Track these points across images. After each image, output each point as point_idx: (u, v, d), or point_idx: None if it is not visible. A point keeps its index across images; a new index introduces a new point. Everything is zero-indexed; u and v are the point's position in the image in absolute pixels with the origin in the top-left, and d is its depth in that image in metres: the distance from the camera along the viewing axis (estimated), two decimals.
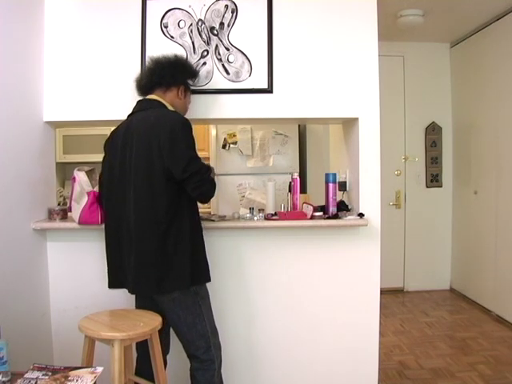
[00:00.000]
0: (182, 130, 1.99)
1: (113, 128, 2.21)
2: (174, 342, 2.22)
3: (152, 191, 1.97)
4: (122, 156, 2.05)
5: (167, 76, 2.14)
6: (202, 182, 2.00)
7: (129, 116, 2.16)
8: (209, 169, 2.08)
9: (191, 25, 2.48)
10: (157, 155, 1.95)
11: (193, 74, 2.31)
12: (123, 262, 2.06)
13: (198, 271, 2.07)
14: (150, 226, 1.97)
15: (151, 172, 1.97)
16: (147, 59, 2.32)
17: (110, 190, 2.12)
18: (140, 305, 2.17)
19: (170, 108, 2.14)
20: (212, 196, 2.12)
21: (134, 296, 2.20)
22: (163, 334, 2.09)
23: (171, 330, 2.18)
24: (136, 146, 2.00)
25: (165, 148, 1.94)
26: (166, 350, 2.20)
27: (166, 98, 2.14)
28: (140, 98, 2.21)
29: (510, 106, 3.88)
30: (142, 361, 2.12)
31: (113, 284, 2.13)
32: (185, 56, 2.45)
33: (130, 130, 2.05)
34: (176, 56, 2.25)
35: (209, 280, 2.11)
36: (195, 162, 1.99)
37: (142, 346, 2.04)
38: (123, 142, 2.05)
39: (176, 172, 1.95)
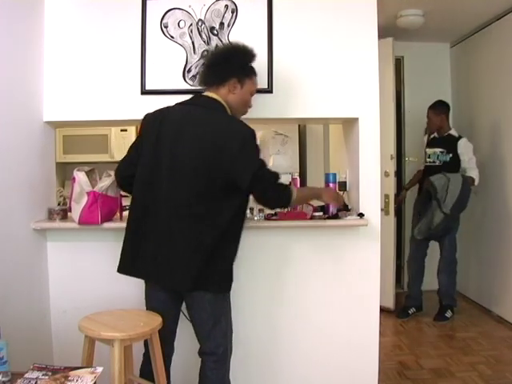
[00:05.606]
0: (252, 141, 2.03)
1: (113, 128, 2.19)
2: (176, 343, 2.21)
3: (202, 192, 1.93)
4: (172, 145, 1.97)
5: (210, 77, 2.09)
6: (273, 186, 2.02)
7: (179, 104, 2.10)
8: (278, 176, 2.06)
9: (191, 25, 2.48)
10: (217, 161, 1.92)
11: (245, 63, 2.13)
12: (144, 251, 1.99)
13: (231, 279, 2.05)
14: (192, 224, 1.94)
15: (206, 173, 1.92)
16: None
17: (143, 175, 2.03)
18: (156, 296, 2.08)
19: (227, 108, 2.09)
20: (286, 201, 2.08)
21: (133, 296, 2.20)
22: (170, 333, 2.08)
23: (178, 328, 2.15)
24: (192, 142, 1.95)
25: (235, 159, 1.93)
26: (170, 350, 2.15)
27: (220, 97, 2.07)
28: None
29: (510, 105, 3.88)
30: (150, 360, 2.08)
31: (123, 270, 2.07)
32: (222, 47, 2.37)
33: (185, 122, 1.99)
34: (222, 50, 2.23)
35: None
36: (265, 168, 2.03)
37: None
38: (176, 130, 1.98)
39: (244, 179, 1.93)
